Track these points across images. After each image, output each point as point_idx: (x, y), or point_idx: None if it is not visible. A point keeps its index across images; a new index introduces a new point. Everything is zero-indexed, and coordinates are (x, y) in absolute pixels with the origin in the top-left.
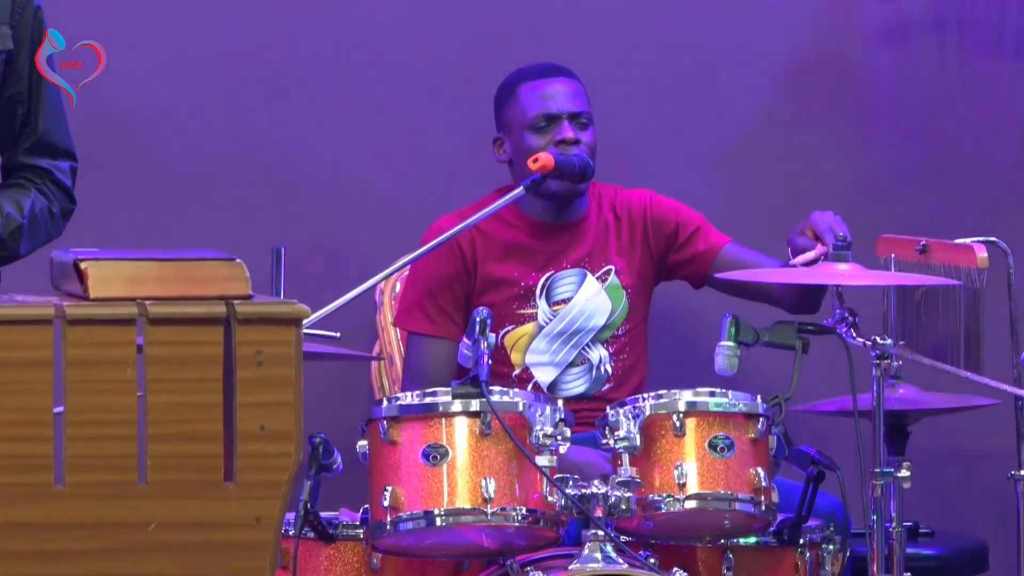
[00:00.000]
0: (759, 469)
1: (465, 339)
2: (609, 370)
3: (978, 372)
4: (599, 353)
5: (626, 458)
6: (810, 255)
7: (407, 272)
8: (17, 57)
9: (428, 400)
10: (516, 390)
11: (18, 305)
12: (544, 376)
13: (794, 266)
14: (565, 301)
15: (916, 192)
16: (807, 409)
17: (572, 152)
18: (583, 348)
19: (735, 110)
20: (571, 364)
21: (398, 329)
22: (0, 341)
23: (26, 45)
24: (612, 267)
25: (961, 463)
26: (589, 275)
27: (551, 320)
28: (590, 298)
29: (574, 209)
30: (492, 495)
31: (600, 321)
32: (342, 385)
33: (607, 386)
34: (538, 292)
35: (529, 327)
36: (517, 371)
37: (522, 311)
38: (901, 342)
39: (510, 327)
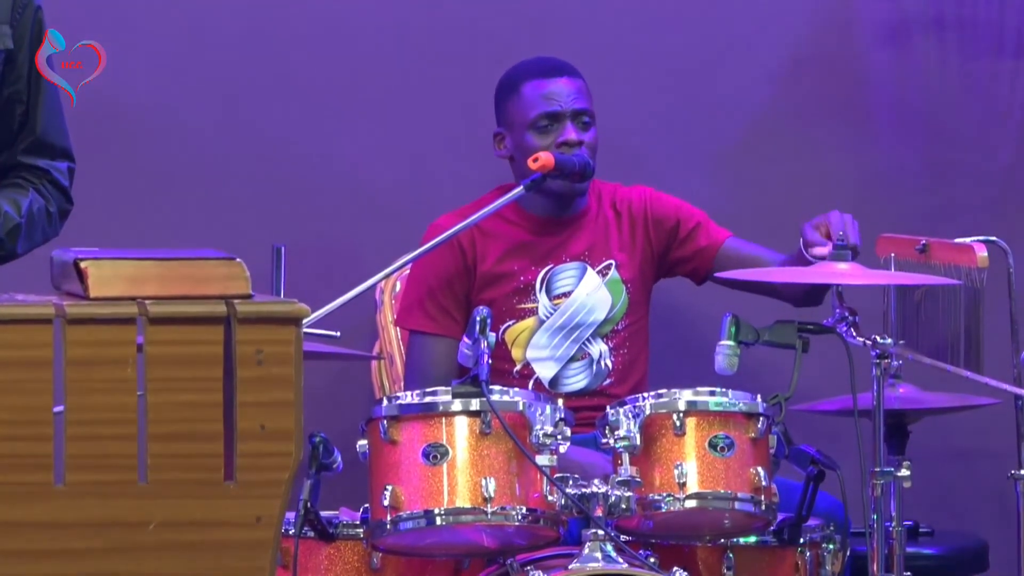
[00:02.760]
0: (759, 468)
1: (465, 338)
2: (610, 365)
3: (978, 372)
4: (599, 348)
5: (626, 457)
6: (823, 251)
7: (408, 271)
8: (17, 57)
9: (428, 399)
10: (516, 389)
11: (18, 304)
12: (545, 371)
13: (805, 259)
14: (566, 295)
15: (916, 192)
16: (807, 409)
17: (574, 152)
18: (583, 343)
19: (735, 109)
20: (572, 359)
21: (398, 328)
22: (0, 340)
23: (26, 45)
24: (612, 262)
25: (961, 463)
26: (589, 269)
27: (552, 314)
28: (590, 292)
29: (574, 205)
30: (492, 494)
31: (600, 316)
32: (342, 385)
33: (608, 381)
34: (538, 286)
35: (530, 322)
36: (518, 367)
37: (523, 305)
38: (901, 342)
39: (511, 322)
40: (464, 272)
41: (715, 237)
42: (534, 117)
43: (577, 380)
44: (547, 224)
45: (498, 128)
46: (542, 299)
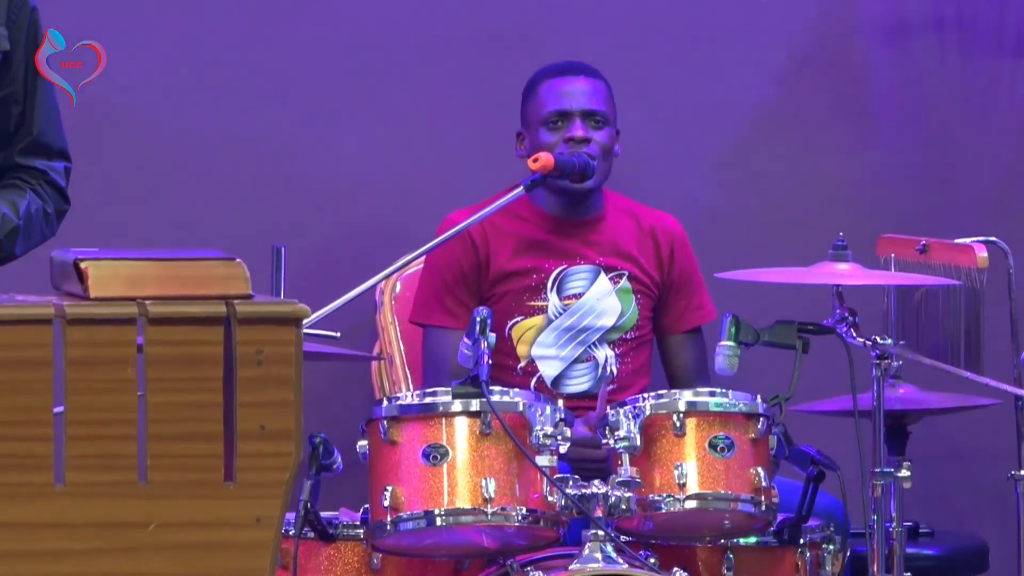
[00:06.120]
0: (759, 469)
1: (465, 339)
2: (615, 371)
3: (978, 372)
4: (605, 352)
5: (626, 458)
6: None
7: (416, 267)
8: (13, 58)
9: (428, 400)
10: (516, 390)
11: (18, 305)
12: (549, 370)
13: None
14: (576, 296)
15: (916, 192)
16: (807, 409)
17: (581, 150)
18: (589, 346)
19: (735, 109)
20: (577, 360)
21: (400, 324)
22: (0, 341)
23: (22, 46)
24: (626, 272)
25: (961, 463)
26: (602, 274)
27: (561, 314)
28: (601, 297)
29: (587, 207)
30: (492, 495)
31: (609, 322)
32: (342, 385)
33: (611, 387)
34: (550, 285)
35: (538, 319)
36: (523, 363)
37: (532, 303)
38: (901, 342)
39: (519, 318)
40: (477, 267)
41: (682, 321)
42: (546, 114)
43: (580, 382)
44: (561, 223)
45: (521, 128)
46: (552, 298)
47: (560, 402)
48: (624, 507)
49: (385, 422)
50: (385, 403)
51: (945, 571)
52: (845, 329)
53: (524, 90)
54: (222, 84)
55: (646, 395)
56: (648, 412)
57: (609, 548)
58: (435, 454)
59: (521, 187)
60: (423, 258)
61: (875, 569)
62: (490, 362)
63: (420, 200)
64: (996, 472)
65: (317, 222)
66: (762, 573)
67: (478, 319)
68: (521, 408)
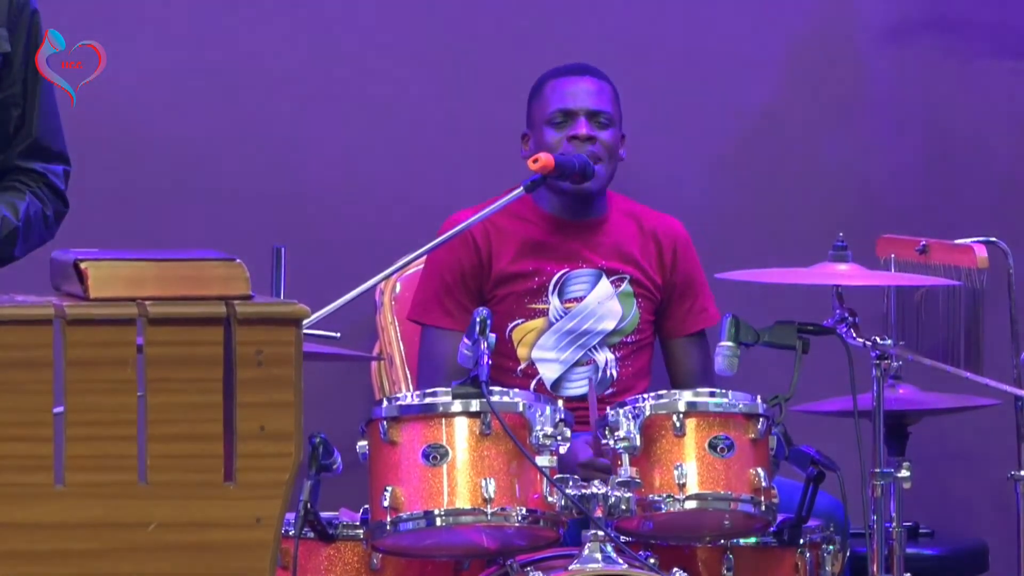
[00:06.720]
0: (759, 469)
1: (465, 339)
2: (615, 374)
3: (978, 372)
4: (606, 356)
5: (626, 458)
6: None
7: (416, 267)
8: (13, 60)
9: (428, 400)
10: (516, 390)
11: (18, 305)
12: (549, 373)
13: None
14: (577, 299)
15: (916, 192)
16: (807, 409)
17: (585, 149)
18: (590, 350)
19: (735, 109)
20: (577, 363)
21: (400, 324)
22: (0, 341)
23: (22, 47)
24: (628, 275)
25: (961, 463)
26: (604, 278)
27: (562, 317)
28: (602, 301)
29: (590, 209)
30: (492, 495)
31: (610, 325)
32: (342, 385)
33: (611, 390)
34: (551, 288)
35: (539, 322)
36: (523, 365)
37: (533, 305)
38: (901, 342)
39: (520, 321)
40: (479, 268)
41: (686, 324)
42: (551, 113)
43: (580, 385)
44: (564, 225)
45: (526, 129)
46: (553, 301)
47: (560, 402)
48: (624, 507)
49: (385, 422)
50: (385, 403)
51: (945, 571)
52: (845, 329)
53: (530, 91)
54: (222, 84)
55: (646, 395)
56: (648, 412)
57: (609, 548)
58: (435, 454)
59: (521, 188)
60: (424, 257)
61: (875, 569)
62: (490, 363)
63: (420, 200)
64: (996, 472)
65: (317, 222)
66: (762, 573)
67: (478, 319)
68: (521, 408)
